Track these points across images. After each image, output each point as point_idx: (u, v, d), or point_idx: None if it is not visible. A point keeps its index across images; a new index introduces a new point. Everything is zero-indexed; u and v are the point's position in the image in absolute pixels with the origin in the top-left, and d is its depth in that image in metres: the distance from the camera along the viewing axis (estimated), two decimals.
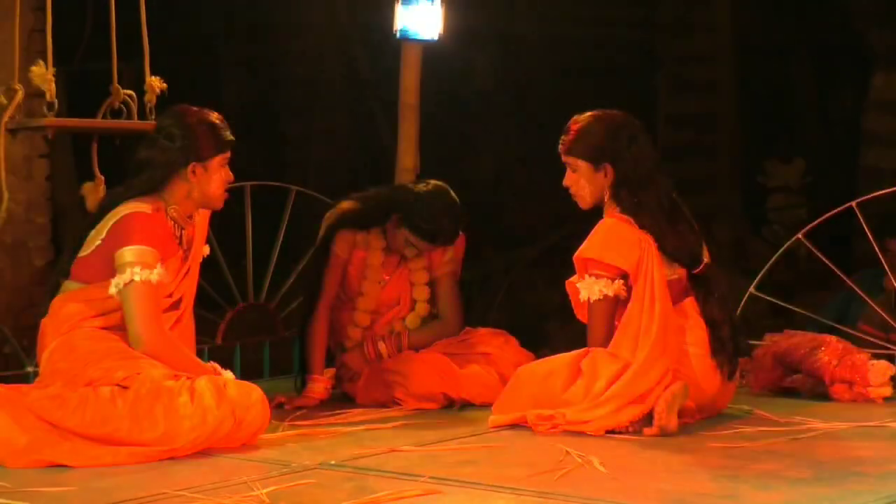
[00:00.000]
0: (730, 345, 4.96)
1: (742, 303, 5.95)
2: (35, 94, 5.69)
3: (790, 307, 6.12)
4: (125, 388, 4.36)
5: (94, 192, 5.54)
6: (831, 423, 4.90)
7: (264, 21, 7.52)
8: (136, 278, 4.54)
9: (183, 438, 4.33)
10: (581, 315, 5.02)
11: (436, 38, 6.29)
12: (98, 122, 5.67)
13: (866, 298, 6.21)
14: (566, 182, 5.03)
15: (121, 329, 4.59)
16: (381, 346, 5.58)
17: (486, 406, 5.18)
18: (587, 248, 4.93)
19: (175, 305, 4.77)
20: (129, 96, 5.70)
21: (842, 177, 8.83)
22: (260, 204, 6.23)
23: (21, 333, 5.33)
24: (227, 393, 4.44)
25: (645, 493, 3.88)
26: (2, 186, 5.30)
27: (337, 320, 5.63)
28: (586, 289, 4.90)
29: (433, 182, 5.55)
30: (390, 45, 6.39)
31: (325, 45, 7.51)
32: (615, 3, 8.31)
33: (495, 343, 5.56)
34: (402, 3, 6.21)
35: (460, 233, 5.56)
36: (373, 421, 5.05)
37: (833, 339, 5.61)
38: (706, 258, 5.03)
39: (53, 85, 5.46)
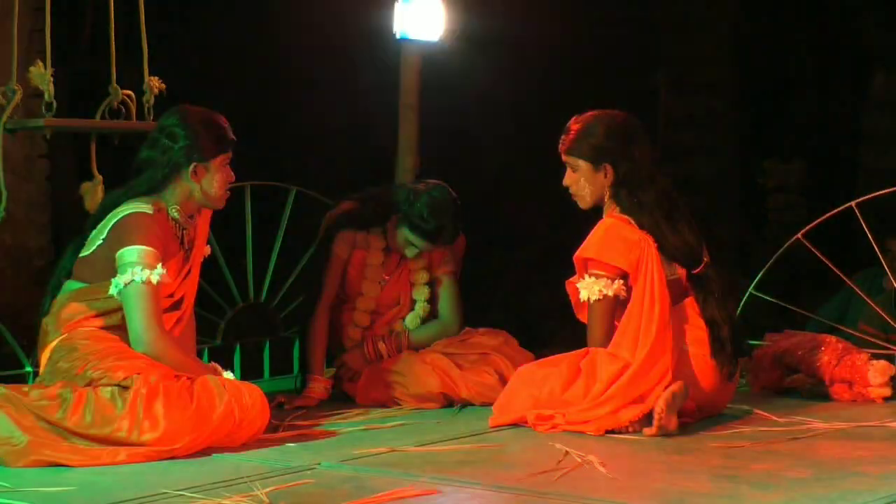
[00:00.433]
0: (729, 345, 4.96)
1: (742, 303, 5.94)
2: (34, 93, 5.69)
3: (790, 307, 6.12)
4: (125, 388, 4.36)
5: (93, 191, 5.54)
6: (831, 423, 4.90)
7: (264, 20, 7.53)
8: (137, 278, 4.54)
9: (183, 438, 4.33)
10: (581, 315, 5.03)
11: (436, 39, 6.29)
12: (97, 122, 5.67)
13: (866, 298, 6.21)
14: (566, 182, 5.03)
15: (121, 329, 4.59)
16: (381, 346, 5.58)
17: (486, 406, 5.18)
18: (587, 248, 4.93)
19: (176, 306, 4.77)
20: (128, 96, 5.70)
21: (842, 177, 8.84)
22: (260, 204, 6.23)
23: (21, 333, 5.32)
24: (227, 393, 4.44)
25: (645, 493, 3.88)
26: (1, 186, 5.30)
27: (337, 320, 5.63)
28: (586, 289, 4.90)
29: (433, 181, 5.55)
30: (390, 46, 6.39)
31: (326, 44, 7.52)
32: (615, 2, 8.31)
33: (495, 343, 5.56)
34: (402, 4, 6.21)
35: (460, 233, 5.56)
36: (373, 421, 5.05)
37: (833, 339, 5.61)
38: (706, 258, 5.03)
39: (52, 85, 5.45)
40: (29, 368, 5.20)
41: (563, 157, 5.02)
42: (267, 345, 6.09)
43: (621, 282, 4.89)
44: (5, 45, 5.74)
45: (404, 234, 5.47)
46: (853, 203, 5.91)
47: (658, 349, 4.79)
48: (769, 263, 6.02)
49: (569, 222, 5.26)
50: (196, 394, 4.39)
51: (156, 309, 4.57)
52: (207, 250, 4.97)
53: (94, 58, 5.96)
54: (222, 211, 4.87)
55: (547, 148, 5.25)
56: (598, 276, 4.88)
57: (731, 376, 5.03)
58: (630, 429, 4.74)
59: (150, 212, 4.63)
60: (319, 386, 5.49)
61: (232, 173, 4.79)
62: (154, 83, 5.71)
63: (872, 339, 5.89)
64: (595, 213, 5.03)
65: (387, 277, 5.64)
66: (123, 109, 5.68)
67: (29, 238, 6.81)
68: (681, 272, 4.99)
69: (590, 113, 5.03)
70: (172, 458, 4.31)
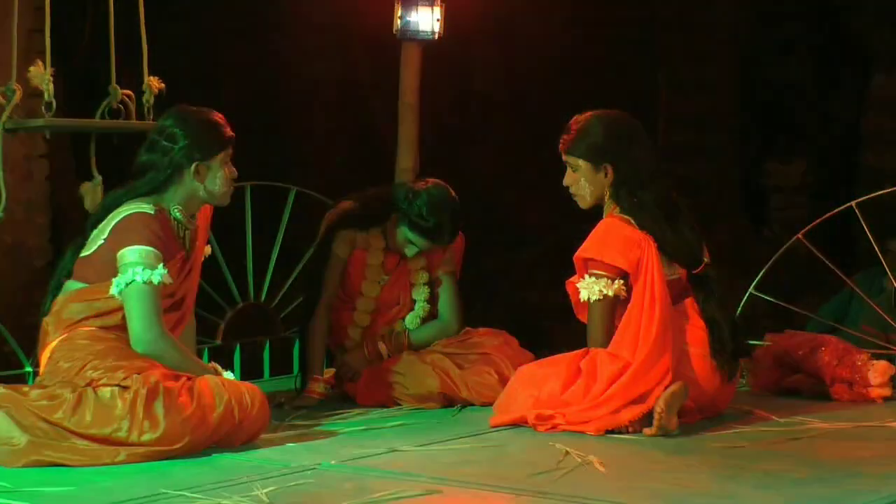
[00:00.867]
0: (730, 345, 4.96)
1: (742, 303, 5.94)
2: (34, 93, 5.69)
3: (790, 307, 6.12)
4: (125, 388, 4.36)
5: (92, 191, 5.54)
6: (831, 423, 4.90)
7: (264, 20, 7.53)
8: (138, 279, 4.53)
9: (183, 438, 4.33)
10: (581, 315, 5.02)
11: (436, 37, 6.29)
12: (96, 122, 5.67)
13: (866, 298, 6.21)
14: (566, 181, 5.03)
15: (122, 329, 4.59)
16: (381, 346, 5.58)
17: (486, 406, 5.18)
18: (587, 248, 4.93)
19: (177, 306, 4.77)
20: (128, 96, 5.70)
21: (842, 177, 8.83)
22: (260, 204, 6.23)
23: (21, 333, 5.32)
24: (227, 393, 4.44)
25: (645, 494, 3.88)
26: (1, 186, 5.29)
27: (337, 320, 5.62)
28: (586, 289, 4.90)
29: (432, 180, 5.55)
30: (390, 45, 6.39)
31: (326, 44, 7.52)
32: (616, 2, 8.31)
33: (495, 343, 5.56)
34: (402, 3, 6.21)
35: (459, 231, 5.55)
36: (373, 421, 5.05)
37: (833, 339, 5.61)
38: (706, 258, 5.03)
39: (52, 85, 5.45)
40: (29, 368, 5.20)
41: (563, 157, 5.02)
42: (267, 345, 6.09)
43: (621, 282, 4.89)
44: (5, 45, 5.74)
45: (404, 232, 5.47)
46: (853, 203, 5.91)
47: (658, 349, 4.79)
48: (769, 263, 6.02)
49: (569, 222, 5.26)
50: (196, 394, 4.39)
51: (156, 309, 4.56)
52: (207, 250, 4.97)
53: (94, 58, 5.96)
54: (222, 211, 4.87)
55: (547, 148, 5.25)
56: (598, 276, 4.88)
57: (732, 376, 5.03)
58: (630, 429, 4.74)
59: (152, 212, 4.62)
60: (319, 386, 5.49)
61: (234, 169, 4.79)
62: (153, 83, 5.71)
63: (872, 339, 5.89)
64: (596, 213, 5.03)
65: (386, 277, 5.64)
66: (123, 109, 5.68)
67: (28, 238, 6.81)
68: (681, 272, 4.99)
69: (590, 113, 5.03)
70: (172, 458, 4.31)
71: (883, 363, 5.44)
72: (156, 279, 4.55)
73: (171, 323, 4.70)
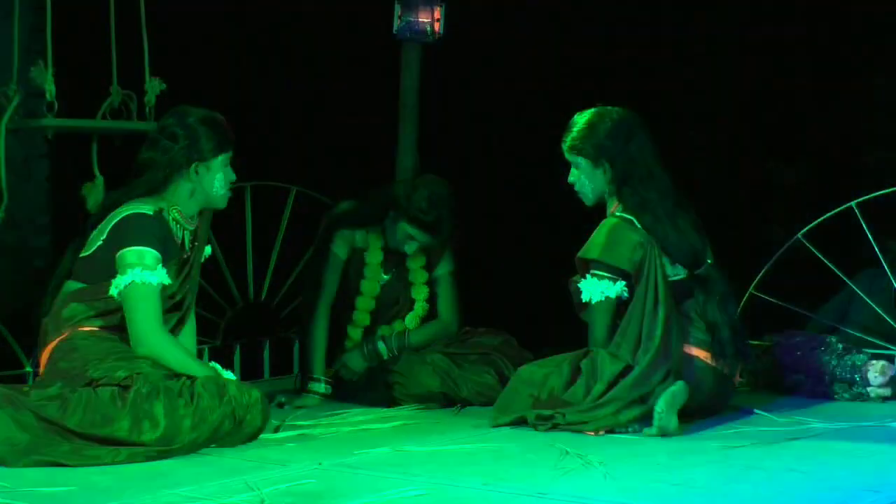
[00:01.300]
0: (730, 346, 4.96)
1: (742, 303, 5.94)
2: (35, 94, 5.69)
3: (790, 307, 6.12)
4: (126, 388, 4.37)
5: (94, 192, 5.54)
6: (831, 423, 4.90)
7: (265, 20, 7.53)
8: (137, 280, 4.54)
9: (183, 438, 4.33)
10: (582, 313, 5.02)
11: (436, 38, 6.29)
12: (98, 122, 5.67)
13: (866, 298, 6.21)
14: (570, 179, 5.04)
15: (121, 329, 4.59)
16: (381, 346, 5.59)
17: (486, 406, 5.18)
18: (589, 249, 4.93)
19: (177, 307, 4.77)
20: (129, 96, 5.70)
21: (842, 177, 8.82)
22: (260, 204, 6.23)
23: (21, 333, 5.32)
24: (227, 393, 4.45)
25: (645, 493, 3.88)
26: (2, 187, 5.30)
27: (337, 320, 5.63)
28: (588, 289, 4.91)
29: (429, 175, 5.57)
30: (390, 45, 6.39)
31: (326, 44, 7.51)
32: (615, 2, 8.30)
33: (495, 343, 5.56)
34: (402, 3, 6.21)
35: (458, 226, 5.55)
36: (373, 421, 5.05)
37: (833, 339, 5.62)
38: (709, 259, 5.03)
39: (53, 85, 5.46)
40: (29, 368, 5.21)
41: (566, 155, 5.03)
42: (267, 345, 6.09)
43: (624, 283, 4.89)
44: (6, 45, 5.74)
45: (404, 228, 5.47)
46: (853, 203, 5.91)
47: (662, 353, 4.79)
48: (769, 263, 6.02)
49: (569, 222, 5.26)
50: (196, 394, 4.40)
51: (156, 310, 4.57)
52: (208, 251, 4.97)
53: (95, 58, 5.96)
54: (222, 211, 4.88)
55: (547, 147, 5.25)
56: (600, 277, 4.89)
57: (732, 378, 5.03)
58: (630, 429, 4.74)
59: (151, 212, 4.63)
60: (319, 386, 5.50)
61: (233, 173, 4.79)
62: (155, 83, 5.71)
63: (872, 339, 5.89)
64: (597, 212, 5.03)
65: (386, 277, 5.64)
66: (124, 110, 5.68)
67: (29, 238, 6.81)
68: (684, 273, 4.99)
69: (590, 110, 5.03)
70: (172, 458, 4.31)
71: (883, 363, 5.44)
72: (155, 280, 4.55)
73: (170, 323, 4.70)
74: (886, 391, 5.41)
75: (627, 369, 4.82)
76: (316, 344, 5.55)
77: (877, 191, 5.93)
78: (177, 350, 4.60)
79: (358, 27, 7.30)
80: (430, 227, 5.44)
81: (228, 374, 4.69)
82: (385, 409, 5.31)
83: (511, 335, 5.65)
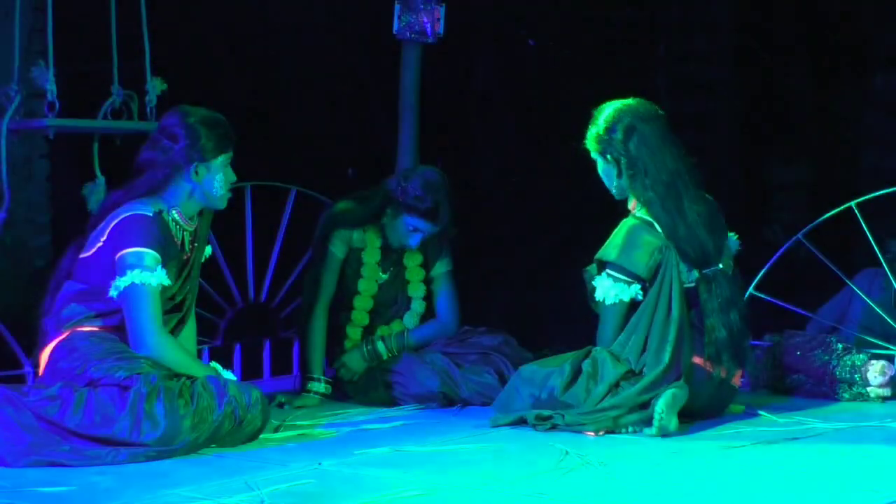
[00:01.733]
0: (726, 352, 4.94)
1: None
2: (36, 94, 5.69)
3: (790, 307, 6.12)
4: (126, 388, 4.37)
5: (95, 192, 5.54)
6: (831, 423, 4.90)
7: (264, 20, 7.53)
8: (137, 281, 4.54)
9: (183, 438, 4.34)
10: (594, 306, 5.00)
11: (436, 38, 6.29)
12: (99, 122, 5.67)
13: (866, 298, 6.21)
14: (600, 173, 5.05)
15: (121, 330, 4.60)
16: (381, 347, 5.59)
17: (486, 406, 5.18)
18: (608, 251, 4.90)
19: (177, 308, 4.77)
20: (129, 96, 5.70)
21: (842, 177, 8.83)
22: (260, 204, 6.23)
23: (21, 333, 5.32)
24: (228, 393, 4.45)
25: (645, 493, 3.88)
26: (2, 187, 5.30)
27: (336, 320, 5.63)
28: (603, 289, 4.89)
29: (419, 166, 5.59)
30: (391, 45, 6.39)
31: (326, 44, 7.51)
32: (615, 2, 8.30)
33: (495, 343, 5.56)
34: (402, 3, 6.21)
35: (455, 213, 5.53)
36: (373, 421, 5.06)
37: (833, 339, 5.61)
38: (722, 265, 4.97)
39: (54, 85, 5.46)
40: (29, 368, 5.20)
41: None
42: (267, 345, 6.09)
43: (639, 286, 4.88)
44: (6, 45, 5.74)
45: (404, 221, 5.46)
46: (853, 203, 5.91)
47: (673, 363, 4.79)
48: (769, 263, 6.02)
49: (569, 222, 5.26)
50: (196, 394, 4.40)
51: (155, 311, 4.57)
52: (208, 251, 4.98)
53: (96, 58, 5.96)
54: (222, 211, 4.88)
55: (547, 147, 5.25)
56: (615, 279, 4.88)
57: (732, 379, 5.01)
58: (630, 429, 4.74)
59: (151, 213, 4.63)
60: (319, 386, 5.50)
61: (233, 173, 4.79)
62: (156, 83, 5.71)
63: (872, 339, 5.89)
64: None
65: (384, 276, 5.64)
66: (125, 110, 5.68)
67: (29, 238, 6.80)
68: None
69: (606, 103, 5.02)
70: (172, 458, 4.31)
71: (883, 363, 5.44)
72: (154, 281, 4.55)
73: (171, 324, 4.71)
74: (886, 391, 5.41)
75: (629, 373, 4.82)
76: (315, 344, 5.55)
77: (877, 191, 5.93)
78: (177, 350, 4.60)
79: (358, 27, 7.30)
80: (430, 214, 5.44)
81: (228, 374, 4.69)
82: (385, 409, 5.31)
83: (511, 335, 5.64)
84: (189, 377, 4.47)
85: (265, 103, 7.20)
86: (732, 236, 5.20)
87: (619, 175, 4.96)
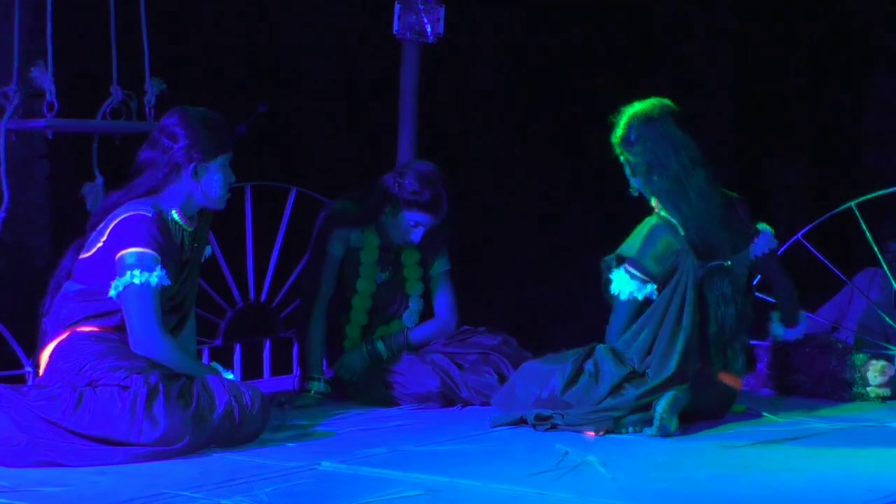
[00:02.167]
0: (718, 345, 4.93)
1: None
2: (35, 94, 5.69)
3: None
4: (126, 388, 4.37)
5: (94, 192, 5.54)
6: (831, 424, 4.90)
7: (264, 20, 7.54)
8: (136, 281, 4.54)
9: (183, 438, 4.33)
10: (608, 297, 5.00)
11: (435, 38, 6.29)
12: (98, 122, 5.67)
13: (867, 298, 6.21)
14: None
15: (121, 330, 4.59)
16: (381, 347, 5.58)
17: (486, 406, 5.18)
18: (629, 247, 4.91)
19: (177, 308, 4.77)
20: (129, 96, 5.70)
21: (842, 177, 8.83)
22: (260, 204, 6.23)
23: (21, 333, 5.32)
24: (228, 393, 4.45)
25: (645, 493, 3.88)
26: (1, 187, 5.30)
27: (335, 320, 5.62)
28: (619, 284, 4.90)
29: (413, 161, 5.60)
30: (390, 45, 6.39)
31: (326, 44, 7.52)
32: (615, 3, 8.31)
33: (495, 343, 5.56)
34: (402, 4, 6.21)
35: (453, 204, 5.53)
36: (373, 421, 5.06)
37: (833, 339, 5.61)
38: (729, 262, 4.97)
39: (53, 85, 5.46)
40: (29, 368, 5.21)
41: None
42: (267, 345, 6.09)
43: (655, 286, 4.88)
44: (6, 45, 5.74)
45: (405, 217, 5.46)
46: (853, 203, 5.91)
47: (681, 370, 4.78)
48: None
49: (569, 221, 5.27)
50: (196, 394, 4.40)
51: (155, 311, 4.57)
52: (208, 251, 4.97)
53: (95, 58, 5.96)
54: (222, 211, 4.87)
55: (547, 148, 5.26)
56: (632, 276, 4.88)
57: (732, 379, 4.99)
58: (630, 429, 4.74)
59: (150, 213, 4.62)
60: (319, 386, 5.50)
61: (233, 175, 4.79)
62: (155, 83, 5.71)
63: (872, 339, 5.89)
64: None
65: (384, 275, 5.64)
66: (125, 110, 5.68)
67: (29, 238, 6.80)
68: None
69: (624, 107, 5.06)
70: (172, 458, 4.31)
71: (883, 363, 5.44)
72: (154, 281, 4.55)
73: (171, 325, 4.70)
74: (886, 391, 5.41)
75: (632, 374, 4.81)
76: (314, 344, 5.55)
77: (877, 191, 5.93)
78: (177, 351, 4.60)
79: (358, 27, 7.31)
80: (429, 206, 5.44)
81: (229, 374, 4.69)
82: (385, 409, 5.31)
83: (511, 335, 5.64)
84: (189, 377, 4.47)
85: (265, 103, 7.20)
86: (768, 229, 5.19)
87: (634, 174, 5.00)
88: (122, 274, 4.55)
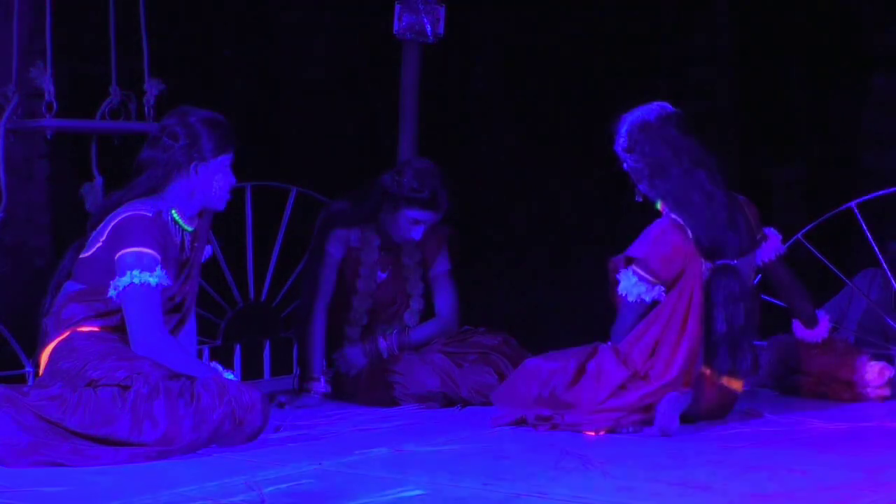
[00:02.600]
0: (728, 344, 4.93)
1: None
2: (35, 94, 5.69)
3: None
4: (126, 388, 4.36)
5: (93, 192, 5.54)
6: (831, 423, 4.90)
7: (265, 21, 7.54)
8: (136, 281, 4.53)
9: (183, 438, 4.33)
10: (613, 297, 5.00)
11: (435, 38, 6.29)
12: (97, 122, 5.67)
13: (867, 298, 6.21)
14: None
15: (121, 330, 4.59)
16: (381, 344, 5.58)
17: (486, 406, 5.18)
18: (638, 248, 4.91)
19: (177, 308, 4.77)
20: (128, 96, 5.70)
21: (842, 177, 8.83)
22: (260, 204, 6.24)
23: (21, 333, 5.32)
24: (228, 393, 4.44)
25: (645, 494, 3.88)
26: (1, 187, 5.30)
27: (335, 320, 5.63)
28: (626, 285, 4.89)
29: (410, 159, 5.60)
30: (390, 45, 6.40)
31: (326, 44, 7.53)
32: (615, 3, 8.31)
33: (495, 343, 5.56)
34: (402, 4, 6.21)
35: (452, 201, 5.53)
36: (373, 421, 5.05)
37: (833, 339, 5.61)
38: (735, 259, 4.97)
39: (53, 85, 5.46)
40: (29, 368, 5.21)
41: None
42: (267, 345, 6.09)
43: (662, 289, 4.88)
44: (6, 45, 5.74)
45: (405, 215, 5.46)
46: (853, 203, 5.91)
47: (685, 370, 4.78)
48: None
49: (569, 221, 5.27)
50: (196, 394, 4.39)
51: (155, 311, 4.56)
52: (208, 251, 4.97)
53: (95, 58, 5.97)
54: (223, 211, 4.87)
55: (547, 148, 5.26)
56: (640, 277, 4.88)
57: (733, 381, 4.98)
58: (630, 429, 4.74)
59: (150, 214, 4.62)
60: (319, 385, 5.50)
61: (233, 176, 4.78)
62: (155, 83, 5.71)
63: (872, 339, 5.89)
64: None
65: (383, 275, 5.64)
66: (124, 110, 5.68)
67: (29, 238, 6.81)
68: None
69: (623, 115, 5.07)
70: (172, 458, 4.31)
71: (882, 363, 5.44)
72: (153, 281, 4.55)
73: (171, 325, 4.70)
74: (886, 391, 5.41)
75: (634, 376, 4.81)
76: (314, 344, 5.55)
77: (877, 191, 5.93)
78: (177, 351, 4.60)
79: (358, 27, 7.31)
80: (429, 203, 5.44)
81: (229, 375, 4.68)
82: (385, 409, 5.31)
83: (511, 335, 5.64)
84: (189, 377, 4.47)
85: (265, 103, 7.20)
86: (776, 234, 5.20)
87: (637, 180, 5.00)
88: (122, 274, 4.55)
